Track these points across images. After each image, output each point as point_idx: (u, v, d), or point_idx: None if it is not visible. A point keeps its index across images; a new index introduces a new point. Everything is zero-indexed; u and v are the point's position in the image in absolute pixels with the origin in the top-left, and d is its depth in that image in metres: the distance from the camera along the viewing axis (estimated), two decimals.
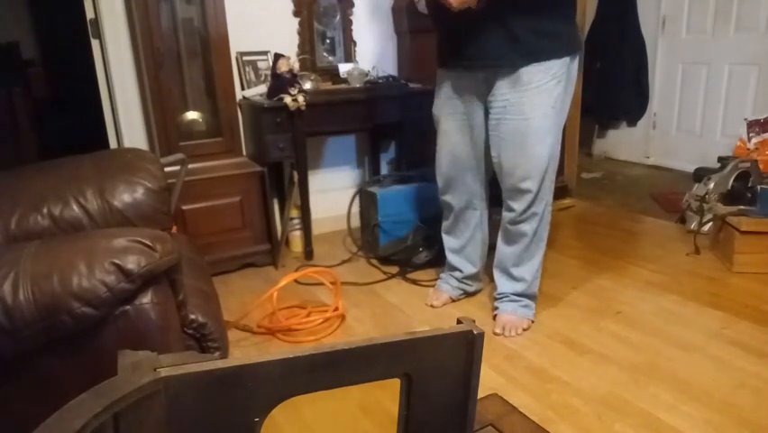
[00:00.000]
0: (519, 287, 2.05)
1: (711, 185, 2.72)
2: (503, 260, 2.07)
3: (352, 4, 2.95)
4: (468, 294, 2.29)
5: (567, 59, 1.83)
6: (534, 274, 2.05)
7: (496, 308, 2.10)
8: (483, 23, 1.75)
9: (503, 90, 1.84)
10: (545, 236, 2.03)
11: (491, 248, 2.18)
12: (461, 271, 2.23)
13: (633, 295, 2.29)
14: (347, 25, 2.95)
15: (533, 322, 2.06)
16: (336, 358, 0.60)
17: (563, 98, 1.87)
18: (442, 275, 2.32)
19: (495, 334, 2.01)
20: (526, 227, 1.96)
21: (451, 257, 2.25)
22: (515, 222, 1.97)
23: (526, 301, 2.07)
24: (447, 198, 2.15)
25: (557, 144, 1.91)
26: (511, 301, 2.07)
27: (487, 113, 1.93)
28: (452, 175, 2.09)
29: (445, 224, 2.23)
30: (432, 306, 2.24)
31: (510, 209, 1.97)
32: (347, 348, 0.60)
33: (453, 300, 2.27)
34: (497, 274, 2.10)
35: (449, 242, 2.23)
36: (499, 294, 2.10)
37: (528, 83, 1.80)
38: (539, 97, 1.81)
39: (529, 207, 1.92)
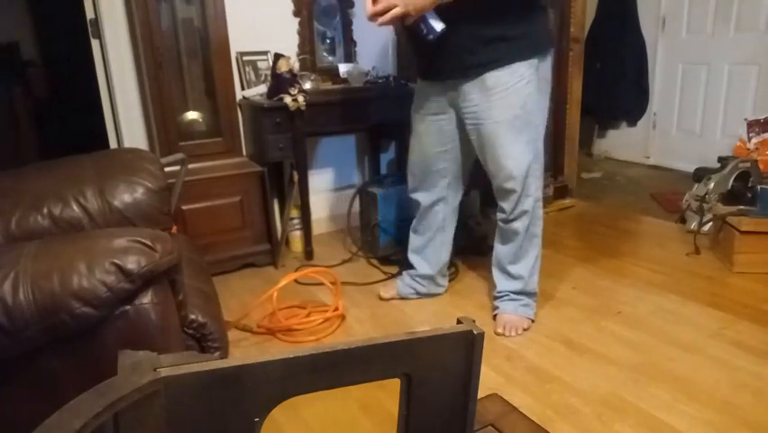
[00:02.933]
0: (517, 285, 2.06)
1: (711, 185, 2.72)
2: (500, 258, 2.10)
3: (353, 5, 2.95)
4: (420, 294, 2.30)
5: (534, 60, 1.85)
6: (531, 271, 2.06)
7: (496, 308, 2.11)
8: (445, 38, 1.79)
9: (472, 96, 1.88)
10: (539, 232, 2.05)
11: (490, 248, 2.18)
12: (415, 269, 2.27)
13: (633, 295, 2.29)
14: (347, 25, 2.95)
15: (533, 322, 2.07)
16: (336, 358, 0.60)
17: (536, 98, 1.89)
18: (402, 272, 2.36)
19: (496, 334, 2.02)
20: (518, 225, 2.00)
21: (410, 255, 2.30)
22: (506, 221, 2.02)
23: (526, 300, 2.07)
24: (416, 195, 2.21)
25: (537, 143, 1.94)
26: (511, 300, 2.08)
27: (460, 117, 1.98)
28: (420, 174, 2.16)
29: (414, 222, 2.28)
30: (379, 296, 2.31)
31: (502, 210, 2.02)
32: (347, 348, 0.59)
33: (402, 298, 2.30)
34: (495, 273, 2.13)
35: (412, 240, 2.29)
36: (499, 292, 2.11)
37: (494, 87, 1.83)
38: (507, 100, 1.84)
39: (517, 205, 1.96)
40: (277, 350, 1.75)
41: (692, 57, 3.99)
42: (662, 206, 3.36)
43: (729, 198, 2.65)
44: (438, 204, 2.17)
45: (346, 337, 2.08)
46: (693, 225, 2.81)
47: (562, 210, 3.36)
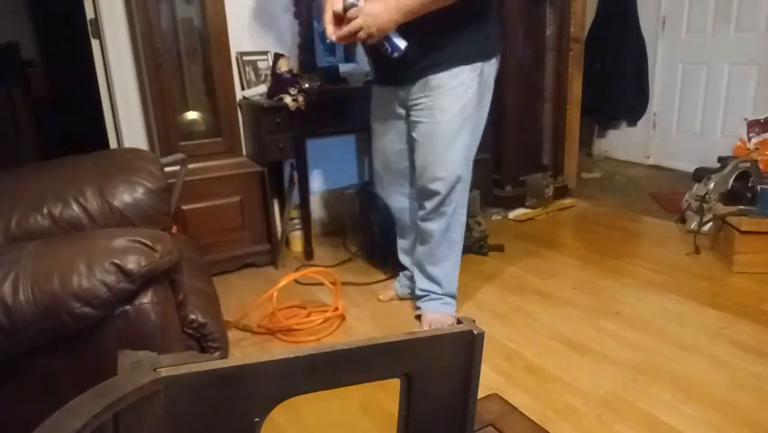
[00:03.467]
0: (435, 287, 2.10)
1: (711, 185, 2.72)
2: (419, 257, 2.13)
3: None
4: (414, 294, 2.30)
5: (478, 63, 1.89)
6: (449, 275, 2.09)
7: (418, 308, 2.15)
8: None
9: (417, 94, 1.93)
10: (459, 239, 2.08)
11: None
12: (409, 270, 2.28)
13: (633, 295, 2.29)
14: None
15: (455, 317, 2.08)
16: (336, 358, 0.60)
17: (475, 104, 1.93)
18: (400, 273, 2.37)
19: None
20: (433, 226, 2.02)
21: (400, 257, 2.31)
22: (423, 219, 2.04)
23: (447, 299, 2.11)
24: (387, 199, 2.23)
25: (471, 149, 1.98)
26: (432, 300, 2.11)
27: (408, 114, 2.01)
28: (385, 175, 2.19)
29: (396, 225, 2.30)
30: (378, 299, 2.32)
31: (422, 207, 2.04)
32: (347, 348, 0.59)
33: (400, 299, 2.31)
34: (415, 271, 2.17)
35: (399, 242, 2.31)
36: (420, 290, 2.14)
37: (437, 87, 1.88)
38: (447, 101, 1.88)
39: (437, 206, 1.99)
40: (277, 350, 1.75)
41: (692, 57, 3.99)
42: (662, 206, 3.36)
43: (729, 197, 2.65)
44: (411, 203, 2.19)
45: (346, 337, 2.08)
46: (693, 225, 2.81)
47: (562, 210, 3.36)
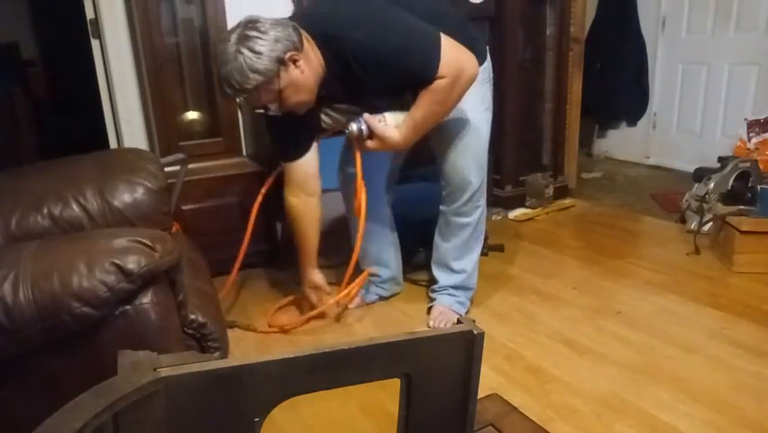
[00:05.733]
0: (458, 278, 2.12)
1: (711, 185, 2.72)
2: (442, 255, 2.13)
3: None
4: (383, 298, 2.32)
5: (484, 63, 1.94)
6: (475, 266, 2.13)
7: (432, 300, 2.17)
8: None
9: None
10: (483, 229, 2.14)
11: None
12: (377, 276, 2.28)
13: (633, 295, 2.29)
14: None
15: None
16: (336, 358, 0.60)
17: (490, 96, 2.02)
18: None
19: (428, 327, 2.07)
20: (469, 219, 2.05)
21: (368, 267, 2.28)
22: (457, 213, 2.04)
23: (462, 298, 2.14)
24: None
25: (488, 140, 2.04)
26: (449, 295, 2.13)
27: None
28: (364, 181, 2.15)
29: (355, 231, 2.25)
30: (346, 306, 2.28)
31: (452, 202, 2.04)
32: (347, 348, 0.60)
33: (368, 304, 2.29)
34: (436, 270, 2.17)
35: (362, 248, 2.25)
36: (439, 287, 2.15)
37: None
38: (470, 95, 1.85)
39: (471, 198, 2.00)
40: (277, 350, 1.75)
41: (692, 57, 3.99)
42: (662, 206, 3.36)
43: (729, 197, 2.65)
44: (378, 207, 2.18)
45: (346, 337, 2.08)
46: (693, 225, 2.81)
47: (562, 210, 3.36)
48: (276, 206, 2.82)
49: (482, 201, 2.04)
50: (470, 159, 1.96)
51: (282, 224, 2.89)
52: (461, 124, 1.92)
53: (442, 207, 2.07)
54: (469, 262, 2.10)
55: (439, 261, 2.14)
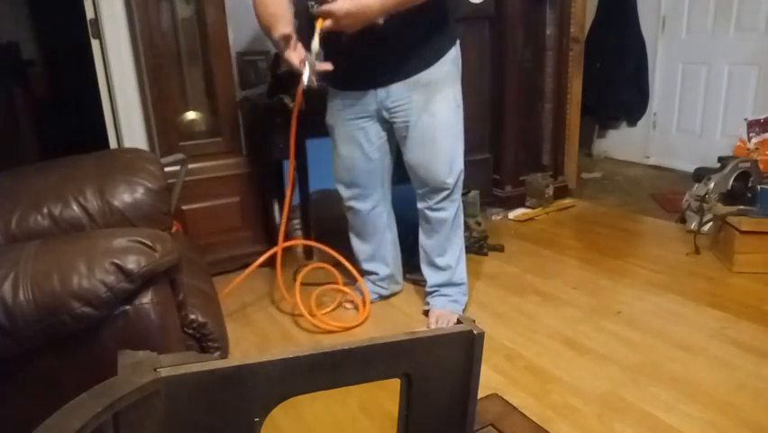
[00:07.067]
0: (445, 275, 2.12)
1: (711, 185, 2.72)
2: (427, 252, 2.14)
3: None
4: (383, 297, 2.31)
5: (452, 50, 1.93)
6: (460, 261, 2.12)
7: (427, 303, 2.17)
8: (371, 53, 1.85)
9: (405, 94, 1.91)
10: (462, 224, 2.13)
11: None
12: (376, 273, 2.28)
13: (633, 295, 2.29)
14: None
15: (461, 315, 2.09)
16: (336, 358, 0.60)
17: (459, 89, 1.99)
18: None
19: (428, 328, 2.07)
20: (446, 214, 2.05)
21: (364, 264, 2.28)
22: (433, 209, 2.06)
23: (455, 295, 2.13)
24: (353, 203, 2.19)
25: (462, 140, 2.04)
26: (441, 296, 2.14)
27: (382, 117, 1.98)
28: (351, 181, 2.16)
29: (354, 231, 2.27)
30: (344, 308, 2.27)
31: (428, 199, 2.06)
32: (347, 348, 0.60)
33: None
34: (424, 269, 2.17)
35: (361, 249, 2.28)
36: (430, 287, 2.16)
37: (428, 83, 1.90)
38: (440, 95, 1.92)
39: (448, 195, 2.02)
40: (277, 350, 1.75)
41: (692, 57, 3.99)
42: (662, 206, 3.36)
43: (729, 197, 2.65)
44: (378, 206, 2.19)
45: (346, 337, 2.08)
46: (693, 225, 2.81)
47: (562, 210, 3.36)
48: (275, 206, 2.83)
49: (458, 195, 2.06)
50: (443, 163, 1.96)
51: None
52: (434, 127, 1.92)
53: (419, 205, 2.09)
54: (452, 256, 2.11)
55: (425, 259, 2.16)
